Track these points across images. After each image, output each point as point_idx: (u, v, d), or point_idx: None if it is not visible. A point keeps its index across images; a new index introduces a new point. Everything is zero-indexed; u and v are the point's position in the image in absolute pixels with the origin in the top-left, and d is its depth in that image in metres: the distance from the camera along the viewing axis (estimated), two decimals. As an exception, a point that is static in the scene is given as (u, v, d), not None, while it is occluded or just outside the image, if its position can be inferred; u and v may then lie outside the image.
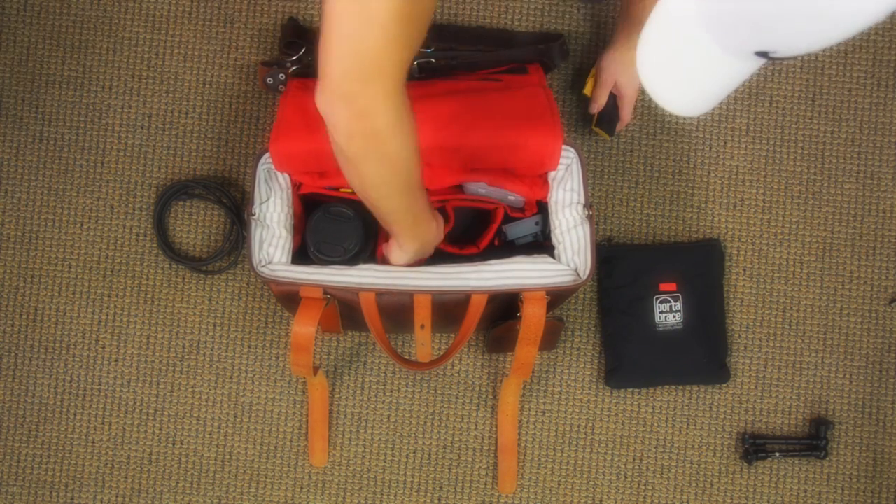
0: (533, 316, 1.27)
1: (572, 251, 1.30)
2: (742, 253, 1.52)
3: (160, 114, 1.52)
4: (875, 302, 1.52)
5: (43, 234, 1.51)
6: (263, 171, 1.31)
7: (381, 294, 1.27)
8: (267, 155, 1.30)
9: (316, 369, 1.38)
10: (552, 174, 1.34)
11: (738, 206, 1.52)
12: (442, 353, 1.42)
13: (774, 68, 1.53)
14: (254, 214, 1.30)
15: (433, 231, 1.25)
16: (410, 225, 1.19)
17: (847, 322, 1.52)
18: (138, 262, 1.51)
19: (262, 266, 1.29)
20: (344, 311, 1.36)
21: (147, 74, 1.52)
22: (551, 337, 1.40)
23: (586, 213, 1.30)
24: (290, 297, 1.32)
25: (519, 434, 1.50)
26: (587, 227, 1.30)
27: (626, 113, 1.47)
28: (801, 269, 1.52)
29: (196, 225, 1.52)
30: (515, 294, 1.29)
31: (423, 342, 1.33)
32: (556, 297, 1.30)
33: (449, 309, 1.32)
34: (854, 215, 1.52)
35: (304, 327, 1.26)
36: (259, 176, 1.31)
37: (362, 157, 1.02)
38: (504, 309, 1.34)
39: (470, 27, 1.50)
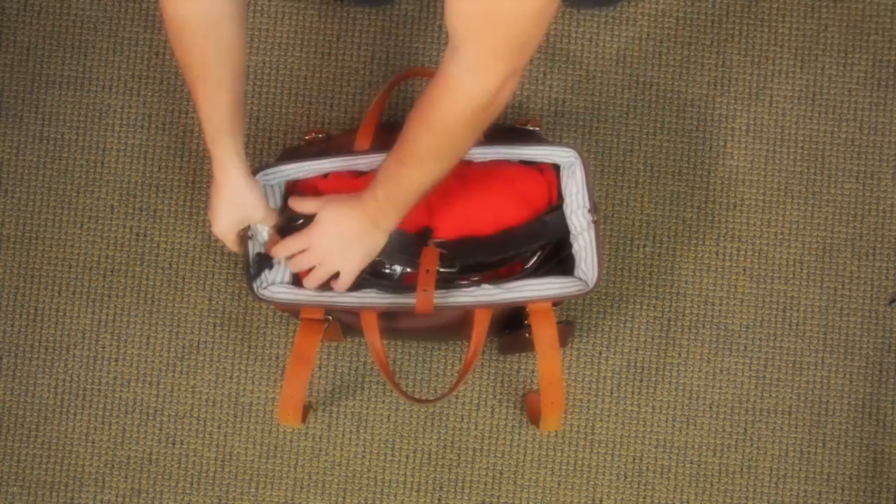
0: (545, 339, 1.25)
1: (580, 258, 1.29)
2: (742, 253, 1.52)
3: (160, 114, 1.52)
4: (875, 302, 1.52)
5: (43, 234, 1.51)
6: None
7: (383, 314, 1.27)
8: (262, 172, 1.29)
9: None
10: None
11: (738, 206, 1.52)
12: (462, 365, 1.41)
13: (774, 68, 1.53)
14: (250, 236, 1.29)
15: (227, 177, 1.21)
16: (209, 139, 1.19)
17: (847, 322, 1.52)
18: (138, 262, 1.51)
19: (263, 288, 1.28)
20: (345, 328, 1.36)
21: (147, 74, 1.52)
22: (562, 340, 1.37)
23: (591, 217, 1.28)
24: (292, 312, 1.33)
25: (518, 434, 1.50)
26: (592, 232, 1.28)
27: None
28: (801, 269, 1.52)
29: (196, 225, 1.52)
30: (520, 306, 1.28)
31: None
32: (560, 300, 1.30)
33: (451, 327, 1.32)
34: (854, 215, 1.52)
35: (304, 350, 1.26)
36: None
37: (170, 40, 1.12)
38: (509, 317, 1.33)
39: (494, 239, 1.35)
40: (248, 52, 1.18)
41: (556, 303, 1.29)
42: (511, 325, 1.35)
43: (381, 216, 1.20)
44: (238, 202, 1.23)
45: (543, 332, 1.26)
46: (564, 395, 1.28)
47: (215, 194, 1.23)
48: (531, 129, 1.36)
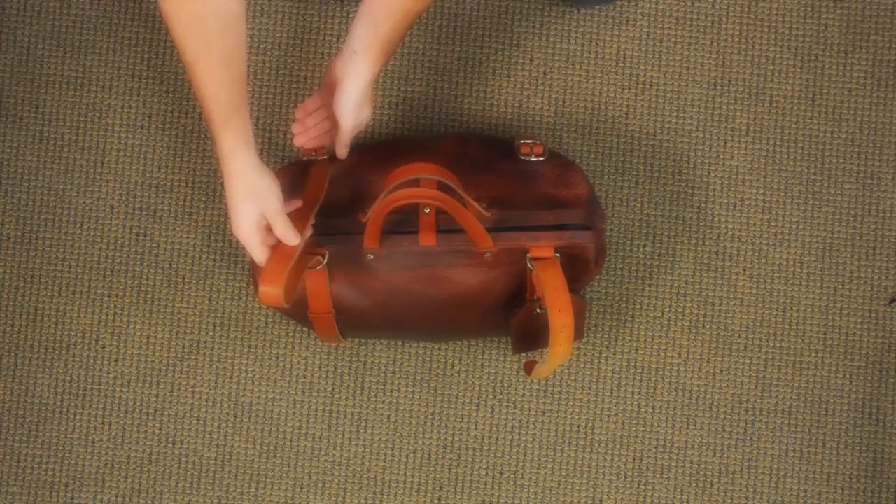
0: (549, 276, 1.26)
1: None
2: (742, 253, 1.52)
3: (160, 114, 1.52)
4: (875, 302, 1.52)
5: (43, 234, 1.51)
6: None
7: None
8: None
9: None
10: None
11: (738, 206, 1.52)
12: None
13: (774, 68, 1.53)
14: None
15: (240, 168, 1.18)
16: (216, 125, 1.17)
17: (847, 322, 1.52)
18: (138, 262, 1.51)
19: None
20: (342, 318, 1.36)
21: (147, 74, 1.52)
22: (576, 319, 1.36)
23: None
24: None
25: (519, 434, 1.50)
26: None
27: (339, 147, 1.30)
28: (801, 269, 1.52)
29: (196, 225, 1.52)
30: (524, 272, 1.30)
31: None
32: (568, 257, 1.31)
33: (443, 307, 1.34)
34: (854, 215, 1.52)
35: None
36: None
37: (167, 18, 1.10)
38: (513, 292, 1.34)
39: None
40: (248, 28, 1.19)
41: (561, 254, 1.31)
42: (517, 301, 1.35)
43: (378, 52, 1.21)
44: (257, 189, 1.19)
45: (546, 262, 1.27)
46: (571, 308, 1.25)
47: (232, 187, 1.18)
48: (535, 160, 1.37)
